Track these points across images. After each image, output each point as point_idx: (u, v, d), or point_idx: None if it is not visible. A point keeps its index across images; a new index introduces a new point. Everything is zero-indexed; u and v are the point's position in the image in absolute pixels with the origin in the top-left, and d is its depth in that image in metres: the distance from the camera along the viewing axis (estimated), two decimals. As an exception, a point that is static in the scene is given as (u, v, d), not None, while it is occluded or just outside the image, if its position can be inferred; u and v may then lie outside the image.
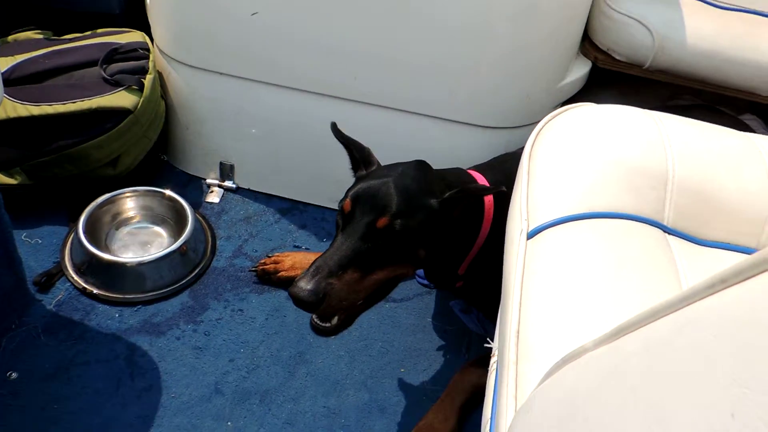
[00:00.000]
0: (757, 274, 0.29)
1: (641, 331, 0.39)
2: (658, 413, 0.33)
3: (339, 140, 1.06)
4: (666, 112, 0.86)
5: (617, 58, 1.21)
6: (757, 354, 0.27)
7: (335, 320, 0.95)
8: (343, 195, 0.97)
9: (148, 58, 1.37)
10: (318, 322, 0.96)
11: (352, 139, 1.06)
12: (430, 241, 0.96)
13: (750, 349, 0.28)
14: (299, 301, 0.86)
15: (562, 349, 0.50)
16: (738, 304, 0.30)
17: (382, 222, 0.91)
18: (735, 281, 0.31)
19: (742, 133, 0.84)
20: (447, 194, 0.95)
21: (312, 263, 0.90)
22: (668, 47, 1.15)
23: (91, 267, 1.25)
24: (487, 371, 0.91)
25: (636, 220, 0.72)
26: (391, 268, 0.94)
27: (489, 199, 1.05)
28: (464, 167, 1.13)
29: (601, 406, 0.40)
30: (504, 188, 0.92)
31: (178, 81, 1.38)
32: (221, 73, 1.32)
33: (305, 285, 0.86)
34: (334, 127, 1.06)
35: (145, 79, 1.32)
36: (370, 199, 0.93)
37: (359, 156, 1.04)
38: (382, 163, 1.05)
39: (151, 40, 1.40)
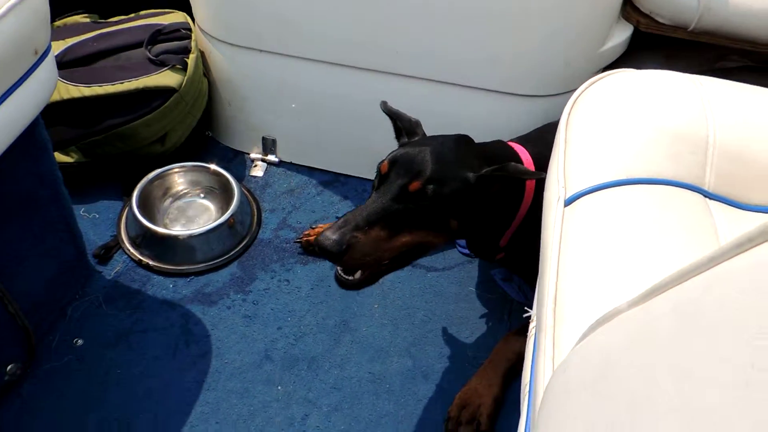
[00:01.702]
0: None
1: (671, 292, 0.40)
2: (688, 369, 0.35)
3: (387, 115, 1.08)
4: (713, 75, 0.84)
5: (660, 21, 1.18)
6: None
7: (358, 275, 0.97)
8: None
9: (190, 38, 1.40)
10: (342, 274, 0.98)
11: (402, 113, 1.08)
12: (463, 212, 0.97)
13: (771, 305, 0.29)
14: (323, 250, 0.89)
15: (598, 313, 0.52)
16: (765, 261, 0.31)
17: (415, 185, 0.93)
18: (762, 240, 0.32)
19: (788, 94, 0.81)
20: (484, 170, 0.96)
21: (343, 216, 0.93)
22: (714, 7, 1.12)
23: (146, 240, 1.31)
24: (528, 340, 0.93)
25: (676, 186, 0.72)
26: (421, 233, 0.96)
27: None
28: (505, 138, 1.13)
29: (631, 365, 0.42)
30: (544, 174, 0.92)
31: (220, 59, 1.41)
32: (261, 50, 1.34)
33: (331, 234, 0.89)
34: (385, 105, 1.08)
35: (188, 58, 1.36)
36: (406, 163, 0.95)
37: (405, 126, 1.06)
38: None
39: (193, 19, 1.44)
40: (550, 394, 0.56)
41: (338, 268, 0.98)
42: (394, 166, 0.96)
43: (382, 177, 0.97)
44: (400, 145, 1.04)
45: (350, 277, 0.98)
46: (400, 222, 0.93)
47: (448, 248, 1.36)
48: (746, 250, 0.34)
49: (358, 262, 0.94)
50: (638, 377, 0.40)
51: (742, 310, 0.32)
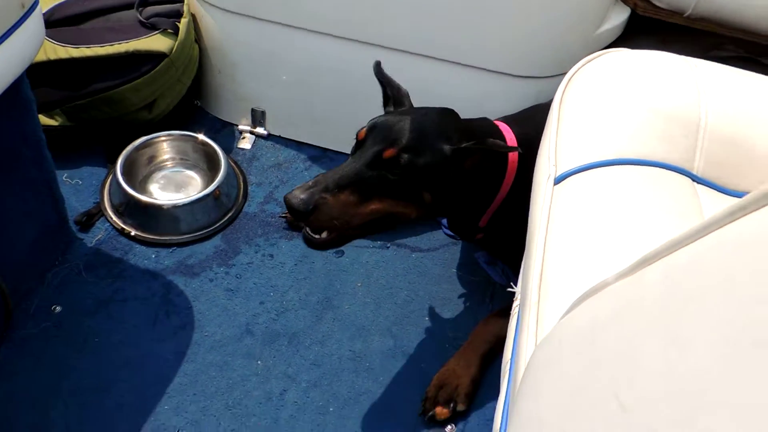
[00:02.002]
0: (778, 198, 0.30)
1: (661, 262, 0.40)
2: (676, 335, 0.34)
3: (378, 78, 1.07)
4: (706, 63, 0.84)
5: (658, 4, 1.17)
6: (772, 272, 0.28)
7: (324, 234, 0.97)
8: None
9: (182, 1, 1.37)
10: (309, 232, 0.99)
11: (393, 80, 1.07)
12: (437, 186, 0.97)
13: (764, 269, 0.29)
14: (290, 208, 0.90)
15: (584, 288, 0.51)
16: (758, 228, 0.31)
17: (389, 153, 0.93)
18: (755, 207, 0.31)
19: (781, 82, 0.81)
20: (461, 144, 0.95)
21: (315, 177, 0.93)
22: (711, -6, 1.12)
23: (129, 208, 1.29)
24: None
25: (665, 168, 0.72)
26: (391, 202, 0.95)
27: (513, 154, 1.04)
28: (494, 117, 1.12)
29: (619, 333, 0.41)
30: (520, 149, 0.92)
31: (212, 25, 1.39)
32: (254, 17, 1.32)
33: (299, 194, 0.89)
34: (378, 67, 1.07)
35: (179, 22, 1.33)
36: (384, 130, 0.95)
37: (394, 95, 1.06)
38: None
39: (185, -17, 1.41)
40: (532, 366, 0.56)
41: (306, 227, 0.98)
42: (372, 132, 0.96)
43: (359, 143, 0.97)
44: (385, 113, 1.03)
45: (317, 236, 0.98)
46: (371, 189, 0.93)
47: (433, 229, 1.36)
48: (738, 218, 0.33)
49: (325, 224, 0.94)
50: (624, 346, 0.40)
51: (734, 276, 0.31)
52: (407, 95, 1.07)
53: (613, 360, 0.41)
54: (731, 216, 0.34)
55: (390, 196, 0.95)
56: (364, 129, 0.97)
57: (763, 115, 0.75)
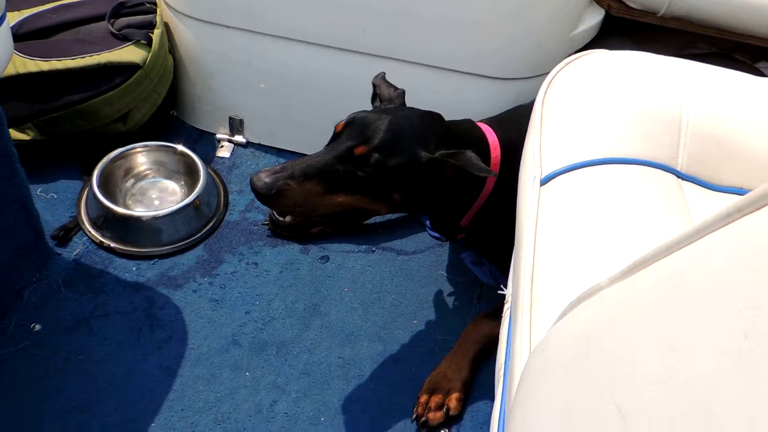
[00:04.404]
0: (775, 201, 0.30)
1: (655, 266, 0.40)
2: (671, 341, 0.34)
3: (373, 83, 1.08)
4: (681, 60, 0.85)
5: (631, 5, 1.19)
6: (772, 277, 0.28)
7: (288, 218, 1.01)
8: None
9: (155, 12, 1.35)
10: (275, 215, 1.04)
11: (388, 83, 1.08)
12: (408, 188, 0.97)
13: (764, 274, 0.29)
14: (253, 190, 0.91)
15: (576, 292, 0.51)
16: (754, 231, 0.31)
17: (360, 150, 0.93)
18: (751, 209, 0.31)
19: (757, 77, 0.83)
20: (438, 153, 0.94)
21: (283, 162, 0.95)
22: (684, -7, 1.13)
23: (107, 221, 1.26)
24: (498, 322, 0.93)
25: (649, 166, 0.72)
26: (358, 197, 0.96)
27: (495, 153, 1.04)
28: (475, 119, 1.12)
29: (614, 339, 0.41)
30: (493, 173, 0.92)
31: (186, 35, 1.37)
32: (228, 27, 1.30)
33: (264, 177, 0.90)
34: (381, 77, 1.09)
35: (152, 33, 1.31)
36: (360, 126, 0.95)
37: (383, 93, 1.06)
38: None
39: (158, -7, 1.39)
40: (527, 374, 0.56)
41: (272, 210, 0.98)
42: (348, 126, 0.96)
43: (335, 135, 0.97)
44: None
45: (281, 219, 1.03)
46: (338, 182, 0.94)
47: (418, 231, 1.36)
48: (734, 220, 0.33)
49: (287, 210, 0.95)
50: (621, 352, 0.40)
51: (731, 280, 0.31)
52: (401, 94, 1.07)
53: (609, 366, 0.41)
54: (727, 218, 0.34)
55: (358, 191, 0.95)
56: (342, 122, 0.98)
57: (743, 111, 0.76)
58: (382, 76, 1.10)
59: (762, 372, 0.27)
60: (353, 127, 0.95)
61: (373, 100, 1.09)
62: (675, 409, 0.33)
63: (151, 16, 1.34)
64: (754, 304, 0.29)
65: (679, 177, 0.74)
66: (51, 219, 1.29)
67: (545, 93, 0.81)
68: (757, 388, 0.27)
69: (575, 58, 0.83)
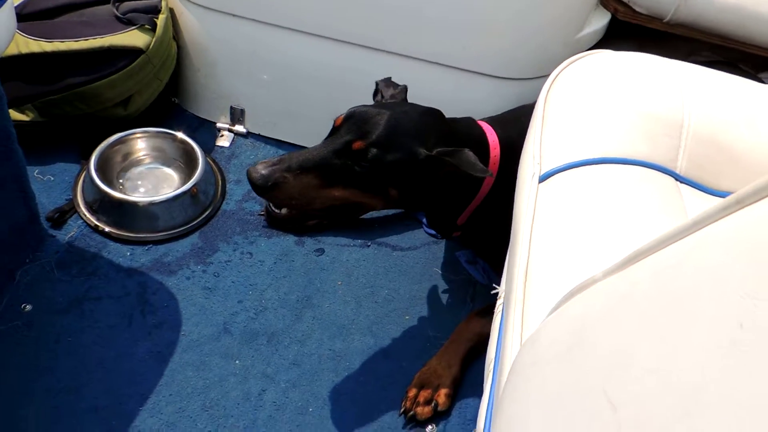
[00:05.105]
0: (774, 192, 0.30)
1: (651, 258, 0.39)
2: (667, 331, 0.34)
3: (377, 82, 1.08)
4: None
5: (638, 10, 1.19)
6: (769, 267, 0.28)
7: (284, 211, 1.02)
8: None
9: (160, -3, 1.35)
10: (272, 207, 1.06)
11: (393, 85, 1.08)
12: (405, 184, 0.96)
13: (761, 265, 0.29)
14: (250, 181, 0.91)
15: (569, 286, 0.51)
16: (752, 223, 0.31)
17: (358, 145, 0.93)
18: (750, 201, 0.31)
19: (760, 84, 0.83)
20: (436, 151, 0.94)
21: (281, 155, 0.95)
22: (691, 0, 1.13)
23: (103, 205, 1.26)
24: (491, 321, 0.93)
25: (649, 167, 0.72)
26: (355, 192, 0.95)
27: (495, 153, 1.04)
28: (477, 117, 1.12)
29: (609, 331, 0.41)
30: (490, 173, 0.92)
31: (191, 21, 1.36)
32: (234, 15, 1.30)
33: (261, 169, 0.90)
34: (388, 81, 1.09)
35: (157, 18, 1.30)
36: (360, 121, 0.95)
37: (383, 89, 1.06)
38: None
39: (163, -22, 1.38)
40: (518, 367, 0.56)
41: (269, 203, 0.99)
42: (348, 120, 0.96)
43: (334, 129, 0.97)
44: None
45: (277, 211, 1.04)
46: (335, 176, 0.93)
47: (414, 227, 1.36)
48: (733, 212, 0.33)
49: (283, 203, 0.96)
50: (614, 343, 0.40)
51: (728, 270, 0.31)
52: (403, 90, 1.06)
53: (603, 358, 0.41)
54: (725, 210, 0.34)
55: (355, 186, 0.95)
56: (341, 116, 0.97)
57: (744, 117, 0.76)
58: (387, 80, 1.09)
59: (757, 361, 0.27)
60: (352, 122, 0.95)
61: (375, 96, 1.09)
62: (667, 400, 0.33)
63: (156, 0, 1.34)
64: (750, 293, 0.29)
65: (677, 180, 0.74)
66: (46, 201, 1.28)
67: (548, 91, 0.81)
68: (751, 377, 0.27)
69: (579, 58, 0.83)
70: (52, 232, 1.25)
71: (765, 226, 0.30)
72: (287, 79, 1.37)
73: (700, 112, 0.75)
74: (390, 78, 1.09)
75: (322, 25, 1.27)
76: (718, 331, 0.30)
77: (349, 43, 1.27)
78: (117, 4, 1.32)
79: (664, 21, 1.17)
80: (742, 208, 0.32)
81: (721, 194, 0.75)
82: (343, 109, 1.04)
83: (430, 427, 1.07)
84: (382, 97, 1.07)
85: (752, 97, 0.80)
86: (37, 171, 1.33)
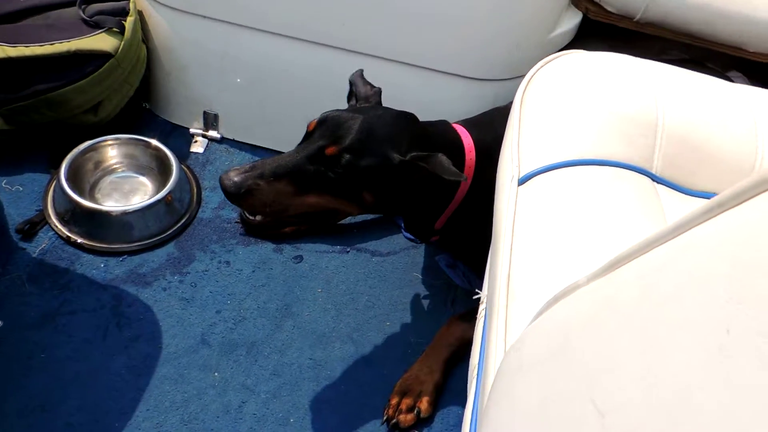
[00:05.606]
0: (756, 195, 0.29)
1: (635, 263, 0.39)
2: (653, 337, 0.34)
3: (350, 80, 1.07)
4: (655, 66, 0.85)
5: (609, 9, 1.20)
6: (753, 271, 0.28)
7: (258, 217, 1.02)
8: None
9: (128, -1, 1.32)
10: (246, 214, 1.07)
11: (365, 81, 1.07)
12: (380, 189, 0.96)
13: (746, 268, 0.29)
14: (223, 189, 0.90)
15: (553, 291, 0.51)
16: (735, 226, 0.31)
17: (331, 150, 0.92)
18: (732, 204, 0.31)
19: (731, 84, 0.84)
20: (410, 156, 0.93)
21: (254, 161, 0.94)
22: (660, -1, 1.15)
23: (75, 216, 1.23)
24: (472, 326, 0.92)
25: (625, 168, 0.72)
26: (329, 198, 0.95)
27: (470, 156, 1.04)
28: (451, 120, 1.12)
29: (594, 336, 0.41)
30: (464, 178, 0.91)
31: (160, 24, 1.34)
32: (205, 17, 1.28)
33: (234, 176, 0.89)
34: (359, 74, 1.08)
35: (125, 21, 1.27)
36: (333, 126, 0.94)
37: (359, 92, 1.05)
38: None
39: (131, -20, 1.35)
40: (502, 373, 0.55)
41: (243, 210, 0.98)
42: (321, 125, 0.95)
43: (308, 134, 0.96)
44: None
45: (252, 218, 1.04)
46: (309, 182, 0.93)
47: (392, 232, 1.35)
48: (715, 215, 0.33)
49: (257, 210, 0.94)
50: (599, 349, 0.39)
51: (713, 274, 0.31)
52: (378, 93, 1.05)
53: (588, 364, 0.40)
54: (708, 213, 0.34)
55: (329, 192, 0.94)
56: (314, 121, 0.96)
57: (717, 116, 0.77)
58: (359, 73, 1.08)
59: (743, 366, 0.27)
60: (325, 127, 0.94)
61: (349, 98, 1.08)
62: (654, 406, 0.33)
63: (124, 2, 1.31)
64: (736, 298, 0.28)
65: (653, 180, 0.74)
66: (15, 213, 1.25)
67: (524, 92, 0.81)
68: (738, 382, 0.27)
69: (553, 58, 0.83)
70: (22, 244, 1.21)
71: (747, 229, 0.29)
72: (260, 82, 1.35)
73: (674, 111, 0.76)
74: (362, 70, 1.08)
75: (295, 26, 1.25)
76: (705, 337, 0.30)
77: (321, 44, 1.26)
78: (83, 6, 1.28)
79: (635, 20, 1.18)
80: (725, 211, 0.32)
81: (697, 194, 0.76)
82: (317, 112, 1.02)
83: (413, 433, 1.06)
84: (357, 93, 1.05)
85: (723, 96, 0.81)
86: (5, 181, 1.29)
